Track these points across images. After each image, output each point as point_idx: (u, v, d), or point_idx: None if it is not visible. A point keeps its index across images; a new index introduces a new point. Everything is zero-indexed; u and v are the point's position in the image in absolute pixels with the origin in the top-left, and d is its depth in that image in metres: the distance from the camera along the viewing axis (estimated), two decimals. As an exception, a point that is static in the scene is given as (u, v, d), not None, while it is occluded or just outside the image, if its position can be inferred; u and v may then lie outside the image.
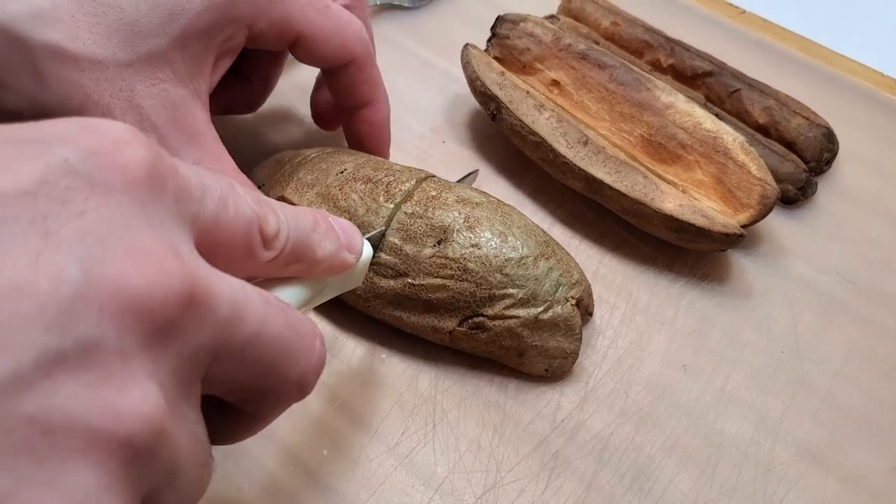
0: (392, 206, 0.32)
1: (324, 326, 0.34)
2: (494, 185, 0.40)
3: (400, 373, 0.32)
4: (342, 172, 0.34)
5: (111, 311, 0.16)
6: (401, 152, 0.41)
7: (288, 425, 0.31)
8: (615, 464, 0.30)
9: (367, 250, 0.29)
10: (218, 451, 0.22)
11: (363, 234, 0.31)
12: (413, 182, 0.33)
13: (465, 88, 0.43)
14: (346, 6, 0.35)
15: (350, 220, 0.32)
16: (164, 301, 0.16)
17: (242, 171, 0.32)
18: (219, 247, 0.20)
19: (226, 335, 0.18)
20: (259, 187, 0.36)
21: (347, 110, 0.36)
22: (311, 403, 0.31)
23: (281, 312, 0.20)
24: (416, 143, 0.42)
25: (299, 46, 0.33)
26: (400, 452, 0.30)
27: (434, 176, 0.34)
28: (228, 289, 0.19)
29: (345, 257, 0.26)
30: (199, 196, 0.19)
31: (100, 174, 0.17)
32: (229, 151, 0.31)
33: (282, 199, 0.34)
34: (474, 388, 0.32)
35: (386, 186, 0.33)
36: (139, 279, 0.16)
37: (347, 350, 0.33)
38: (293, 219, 0.23)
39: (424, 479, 0.29)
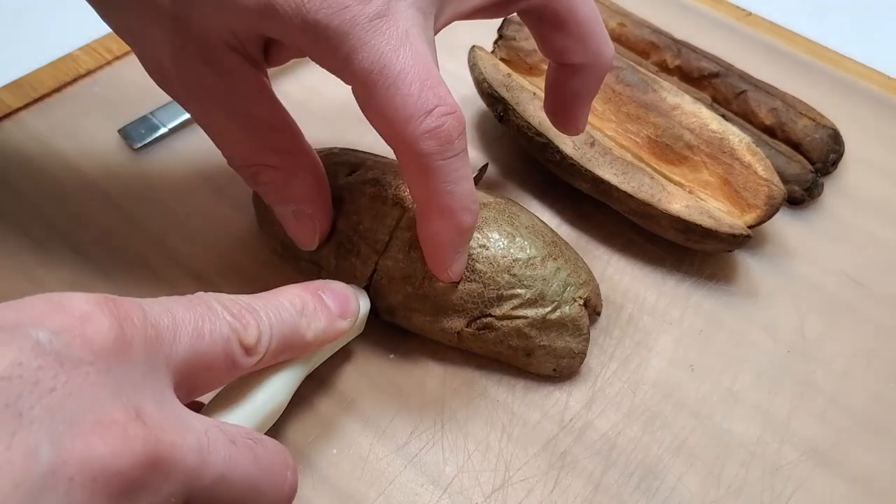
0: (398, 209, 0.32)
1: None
2: (501, 185, 0.40)
3: (408, 373, 0.33)
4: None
5: (81, 481, 0.18)
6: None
7: (297, 425, 0.31)
8: (623, 463, 0.31)
9: (364, 304, 0.29)
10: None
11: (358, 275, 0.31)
12: None
13: (472, 90, 0.43)
14: None
15: (358, 223, 0.32)
16: (128, 466, 0.18)
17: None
18: (199, 372, 0.22)
19: (193, 481, 0.20)
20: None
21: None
22: (320, 404, 0.32)
23: (248, 451, 0.22)
24: (422, 145, 0.42)
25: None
26: (409, 452, 0.31)
27: None
28: (194, 439, 0.20)
29: (338, 327, 0.28)
30: (170, 338, 0.22)
31: (68, 350, 0.19)
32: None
33: None
34: (482, 389, 0.32)
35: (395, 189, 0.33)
36: (104, 448, 0.18)
37: (356, 351, 0.33)
38: (276, 314, 0.25)
39: (433, 479, 0.30)
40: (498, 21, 0.47)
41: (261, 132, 0.30)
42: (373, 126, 0.27)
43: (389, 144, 0.27)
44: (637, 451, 0.31)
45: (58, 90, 0.44)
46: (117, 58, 0.46)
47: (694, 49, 0.43)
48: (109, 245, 0.37)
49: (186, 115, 0.42)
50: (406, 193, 0.33)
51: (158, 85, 0.30)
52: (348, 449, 0.31)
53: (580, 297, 0.32)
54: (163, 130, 0.42)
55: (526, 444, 0.31)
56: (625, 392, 0.33)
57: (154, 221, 0.38)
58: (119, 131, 0.42)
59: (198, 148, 0.41)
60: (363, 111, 0.27)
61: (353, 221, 0.33)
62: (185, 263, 0.36)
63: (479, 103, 0.43)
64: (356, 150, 0.37)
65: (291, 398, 0.28)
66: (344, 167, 0.35)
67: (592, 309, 0.33)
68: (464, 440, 0.31)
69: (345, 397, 0.32)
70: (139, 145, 0.41)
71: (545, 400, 0.32)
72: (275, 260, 0.37)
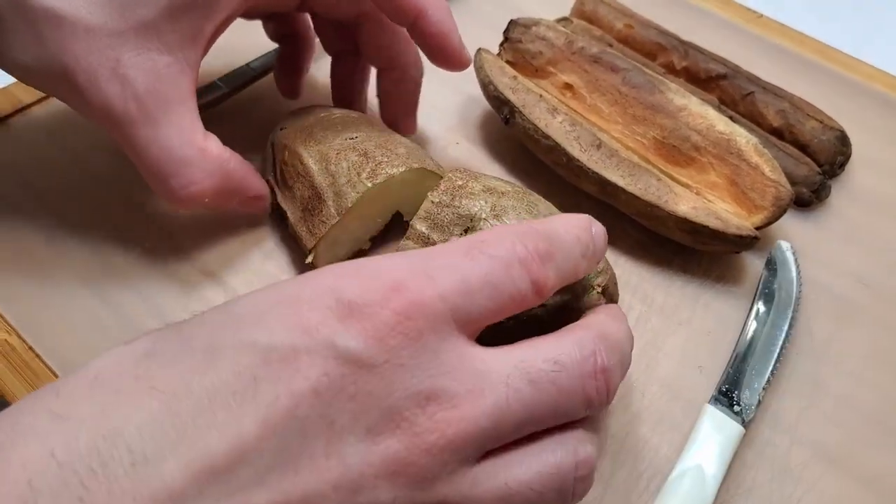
0: (370, 185, 0.34)
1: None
2: (508, 187, 0.41)
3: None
4: (350, 139, 0.36)
5: (384, 477, 0.21)
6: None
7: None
8: (631, 464, 0.31)
9: None
10: None
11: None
12: (402, 169, 0.34)
13: (478, 89, 0.44)
14: None
15: (331, 185, 0.34)
16: (420, 456, 0.22)
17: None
18: (492, 317, 0.24)
19: (487, 442, 0.23)
20: (280, 130, 0.38)
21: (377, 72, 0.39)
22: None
23: (550, 387, 0.24)
24: (431, 144, 0.43)
25: None
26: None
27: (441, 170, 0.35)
28: (492, 399, 0.23)
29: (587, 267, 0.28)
30: (465, 304, 0.23)
31: (366, 354, 0.21)
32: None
33: (287, 147, 0.36)
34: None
35: (375, 165, 0.34)
36: (398, 445, 0.22)
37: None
38: (566, 261, 0.26)
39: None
40: (504, 19, 0.48)
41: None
42: None
43: None
44: (646, 451, 0.31)
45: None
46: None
47: (701, 50, 0.44)
48: (121, 239, 0.38)
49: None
50: (383, 172, 0.35)
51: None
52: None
53: (599, 285, 0.33)
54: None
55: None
56: (634, 392, 0.33)
57: (165, 215, 0.39)
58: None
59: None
60: None
61: (329, 182, 0.35)
62: (195, 258, 0.37)
63: (486, 103, 0.44)
64: (371, 120, 0.39)
65: None
66: (350, 131, 0.37)
67: (609, 297, 0.34)
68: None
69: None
70: None
71: (553, 401, 0.33)
72: (281, 253, 0.37)
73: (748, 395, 0.32)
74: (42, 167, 0.41)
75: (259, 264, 0.37)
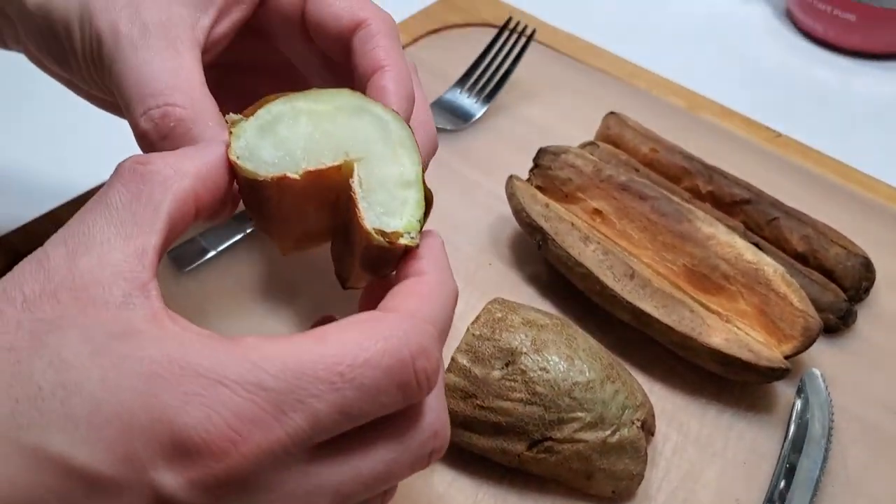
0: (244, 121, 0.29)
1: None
2: (541, 307, 0.43)
3: (465, 494, 0.35)
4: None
5: None
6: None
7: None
8: None
9: None
10: None
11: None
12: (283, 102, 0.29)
13: (509, 209, 0.46)
14: None
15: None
16: None
17: None
18: None
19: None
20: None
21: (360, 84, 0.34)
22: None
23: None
24: (464, 265, 0.45)
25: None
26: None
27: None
28: None
29: None
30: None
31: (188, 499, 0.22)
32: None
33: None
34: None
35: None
36: None
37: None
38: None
39: None
40: (531, 138, 0.51)
41: None
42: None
43: None
44: (686, 589, 0.33)
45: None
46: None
47: (725, 175, 0.46)
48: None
49: (236, 238, 0.46)
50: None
51: None
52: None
53: (638, 420, 0.35)
54: (211, 254, 0.45)
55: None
56: (672, 527, 0.34)
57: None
58: (167, 253, 0.45)
59: (248, 268, 0.44)
60: None
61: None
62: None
63: (517, 223, 0.47)
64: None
65: None
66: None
67: (648, 430, 0.36)
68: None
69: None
70: (188, 268, 0.45)
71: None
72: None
73: (786, 532, 0.34)
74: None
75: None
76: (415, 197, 0.29)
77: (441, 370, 0.27)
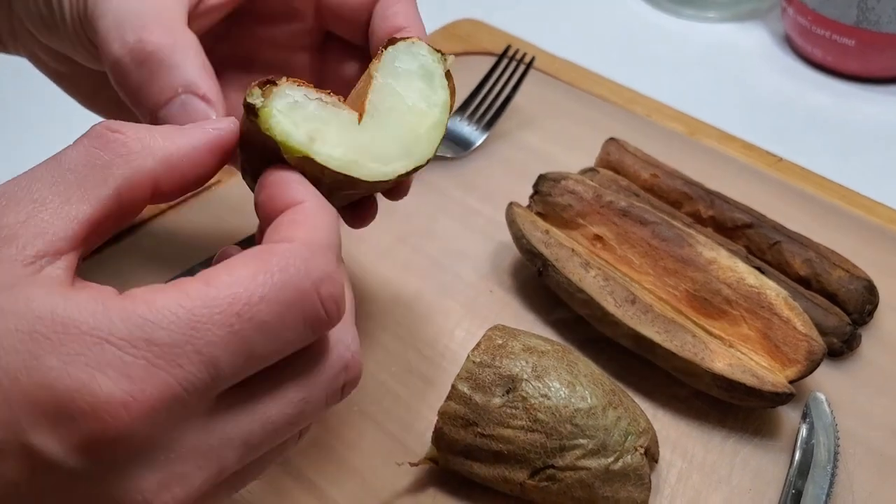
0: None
1: (398, 482, 0.36)
2: (543, 334, 0.43)
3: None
4: None
5: None
6: (450, 300, 0.45)
7: None
8: None
9: None
10: None
11: None
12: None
13: (509, 237, 0.47)
14: None
15: None
16: None
17: None
18: None
19: None
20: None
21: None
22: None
23: None
24: (464, 292, 0.46)
25: None
26: None
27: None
28: None
29: None
30: None
31: (69, 462, 0.22)
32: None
33: None
34: (536, 552, 0.34)
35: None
36: None
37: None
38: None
39: None
40: (531, 165, 0.52)
41: None
42: None
43: None
44: None
45: (115, 241, 0.48)
46: (171, 206, 0.50)
47: (726, 200, 0.47)
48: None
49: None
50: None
51: None
52: None
53: (641, 446, 0.35)
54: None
55: None
56: (677, 556, 0.34)
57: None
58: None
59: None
60: None
61: None
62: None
63: (517, 250, 0.47)
64: None
65: None
66: None
67: (651, 457, 0.36)
68: None
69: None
70: None
71: (598, 564, 0.34)
72: (326, 415, 0.39)
73: (793, 560, 0.33)
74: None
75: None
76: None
77: (347, 296, 0.25)
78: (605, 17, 0.71)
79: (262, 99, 0.28)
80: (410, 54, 0.32)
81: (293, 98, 0.29)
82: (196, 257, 0.46)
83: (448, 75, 0.33)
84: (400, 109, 0.31)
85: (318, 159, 0.29)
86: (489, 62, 0.56)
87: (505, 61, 0.56)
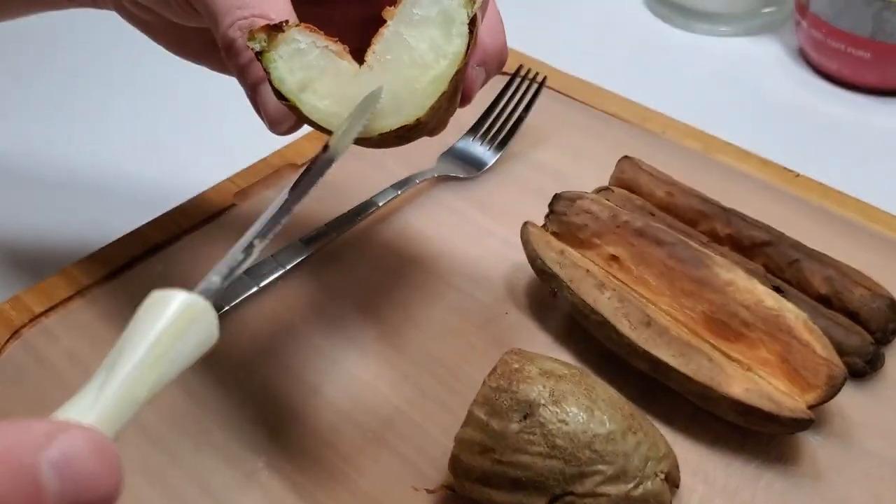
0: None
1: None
2: (558, 356, 0.43)
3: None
4: None
5: None
6: (465, 322, 0.45)
7: None
8: None
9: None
10: None
11: None
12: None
13: (523, 256, 0.46)
14: None
15: None
16: None
17: None
18: None
19: None
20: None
21: None
22: None
23: None
24: (480, 314, 0.45)
25: None
26: None
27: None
28: None
29: None
30: None
31: None
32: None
33: None
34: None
35: None
36: None
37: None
38: None
39: None
40: (544, 184, 0.51)
41: None
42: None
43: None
44: None
45: (128, 266, 0.48)
46: (185, 231, 0.50)
47: (743, 217, 0.46)
48: (174, 422, 0.40)
49: (250, 291, 0.46)
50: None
51: None
52: None
53: (661, 472, 0.34)
54: (225, 308, 0.46)
55: None
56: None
57: (218, 399, 0.41)
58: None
59: (261, 324, 0.45)
60: None
61: None
62: (248, 440, 0.39)
63: (532, 270, 0.47)
64: None
65: None
66: None
67: (672, 482, 0.35)
68: None
69: None
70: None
71: None
72: (340, 441, 0.39)
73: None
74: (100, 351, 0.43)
75: (315, 447, 0.39)
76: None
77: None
78: (617, 33, 0.71)
79: (265, 44, 0.29)
80: None
81: (297, 45, 0.29)
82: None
83: (473, 21, 0.30)
84: (403, 61, 0.30)
85: (303, 109, 0.29)
86: (501, 81, 0.56)
87: (517, 80, 0.56)
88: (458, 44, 0.30)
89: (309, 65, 0.29)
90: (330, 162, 0.29)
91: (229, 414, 0.40)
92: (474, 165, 0.54)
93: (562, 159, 0.54)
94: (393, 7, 0.31)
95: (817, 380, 0.38)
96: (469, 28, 0.30)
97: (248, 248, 0.26)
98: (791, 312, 0.39)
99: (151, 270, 0.48)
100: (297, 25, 0.30)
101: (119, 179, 0.58)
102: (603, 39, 0.70)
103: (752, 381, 0.38)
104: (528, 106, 0.55)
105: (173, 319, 0.22)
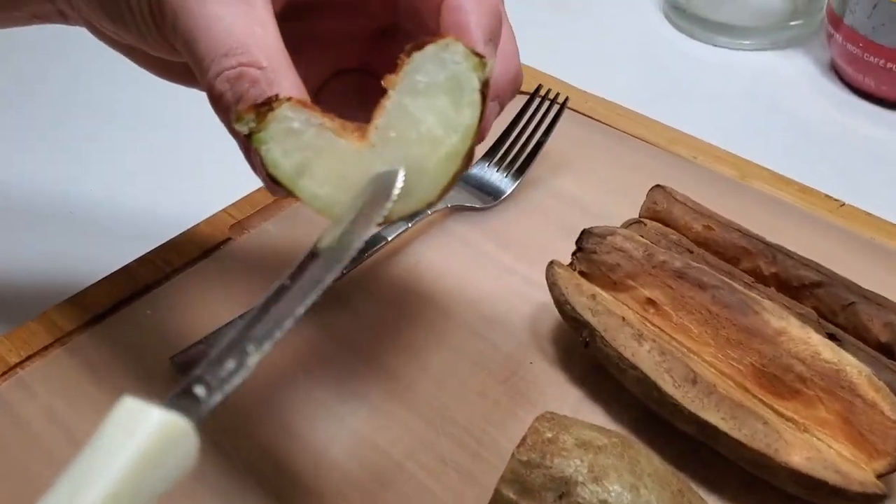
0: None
1: None
2: (591, 415, 0.39)
3: None
4: None
5: None
6: (486, 375, 0.40)
7: None
8: None
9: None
10: None
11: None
12: None
13: (547, 296, 0.42)
14: None
15: None
16: None
17: None
18: None
19: None
20: None
21: None
22: None
23: None
24: (502, 364, 0.41)
25: None
26: None
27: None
28: None
29: None
30: None
31: None
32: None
33: None
34: None
35: None
36: None
37: None
38: None
39: None
40: (564, 214, 0.47)
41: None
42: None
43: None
44: None
45: (114, 310, 0.44)
46: (176, 270, 0.46)
47: (790, 255, 0.42)
48: (163, 496, 0.35)
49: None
50: None
51: None
52: None
53: None
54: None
55: None
56: None
57: (213, 466, 0.37)
58: (171, 359, 0.41)
59: (259, 378, 0.40)
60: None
61: None
62: (258, 484, 0.35)
63: (558, 312, 0.42)
64: None
65: None
66: None
67: None
68: None
69: None
70: None
71: None
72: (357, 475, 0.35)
73: None
74: (79, 404, 0.39)
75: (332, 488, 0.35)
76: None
77: None
78: (636, 47, 0.67)
79: (254, 124, 0.26)
80: (439, 62, 0.26)
81: (290, 124, 0.26)
82: (199, 331, 0.42)
83: (485, 86, 0.27)
84: (409, 138, 0.26)
85: (303, 197, 0.26)
86: (518, 103, 0.52)
87: (536, 102, 0.52)
88: (470, 115, 0.26)
89: (305, 146, 0.26)
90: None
91: (225, 485, 0.36)
92: (490, 194, 0.50)
93: (585, 187, 0.50)
94: (393, 74, 0.27)
95: (886, 445, 0.33)
96: (482, 94, 0.26)
97: (242, 356, 0.22)
98: (853, 367, 0.35)
99: (139, 314, 0.44)
100: (287, 100, 0.26)
101: (103, 212, 0.53)
102: (621, 53, 0.67)
103: (813, 447, 0.34)
104: (549, 129, 0.51)
105: (147, 446, 0.18)
